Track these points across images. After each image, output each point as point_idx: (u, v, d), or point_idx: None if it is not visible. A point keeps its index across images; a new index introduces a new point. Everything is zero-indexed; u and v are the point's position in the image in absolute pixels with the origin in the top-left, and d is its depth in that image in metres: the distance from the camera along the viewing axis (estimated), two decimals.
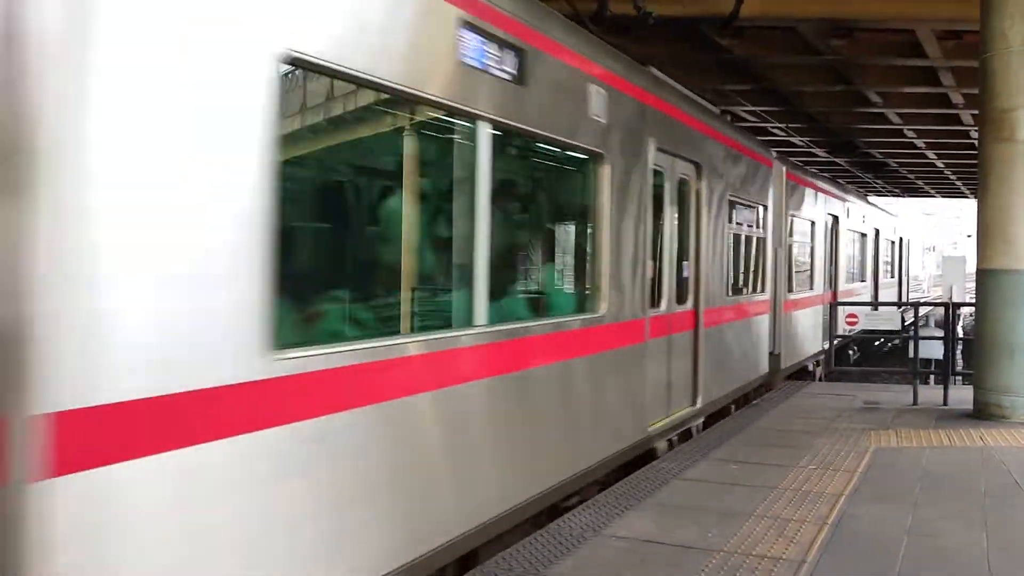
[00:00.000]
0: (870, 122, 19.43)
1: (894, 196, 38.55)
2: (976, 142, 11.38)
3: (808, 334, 14.15)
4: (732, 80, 15.38)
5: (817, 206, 14.78)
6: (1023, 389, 9.15)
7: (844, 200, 17.52)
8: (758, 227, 11.25)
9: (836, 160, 25.31)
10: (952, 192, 36.67)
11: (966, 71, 13.50)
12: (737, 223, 10.08)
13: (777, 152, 13.98)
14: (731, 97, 16.63)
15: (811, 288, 14.41)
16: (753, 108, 17.91)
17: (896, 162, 26.68)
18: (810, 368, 14.65)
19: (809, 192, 14.25)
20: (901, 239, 26.82)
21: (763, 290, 11.41)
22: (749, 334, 10.70)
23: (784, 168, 12.49)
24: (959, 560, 4.99)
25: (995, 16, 9.22)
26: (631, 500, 6.06)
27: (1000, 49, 9.18)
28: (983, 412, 9.38)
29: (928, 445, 8.13)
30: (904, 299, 26.28)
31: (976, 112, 11.08)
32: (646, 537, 5.26)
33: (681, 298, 8.19)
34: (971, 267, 11.86)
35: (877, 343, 24.46)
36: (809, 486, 6.48)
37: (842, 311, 12.71)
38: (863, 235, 19.99)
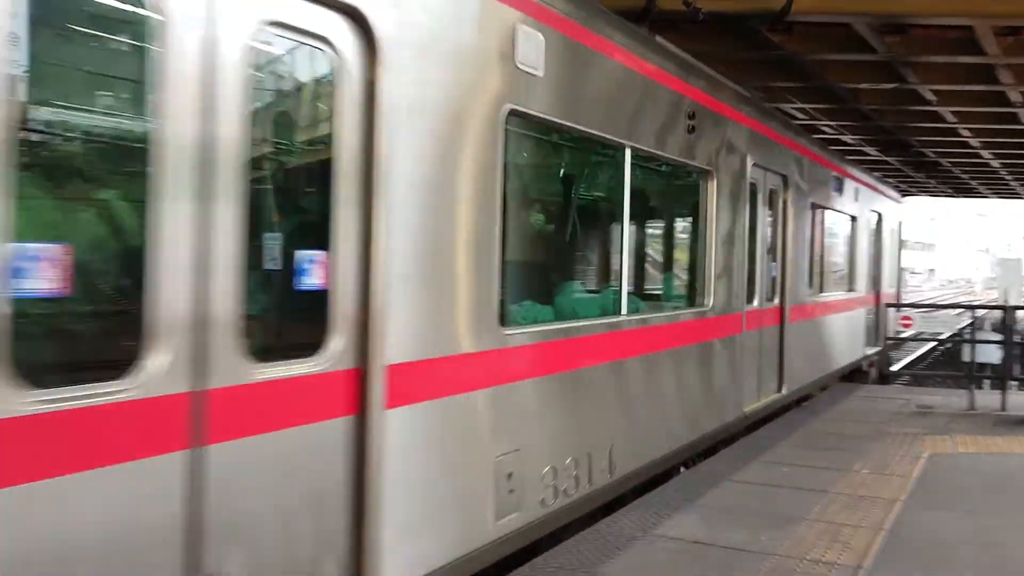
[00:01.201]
0: (923, 120, 19.03)
1: (946, 196, 37.79)
2: None
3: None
4: (781, 77, 15.13)
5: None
6: None
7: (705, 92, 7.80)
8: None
9: (887, 159, 24.83)
10: (1007, 193, 35.79)
11: None
12: None
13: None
14: (780, 94, 16.39)
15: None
16: (803, 106, 17.62)
17: (949, 161, 26.07)
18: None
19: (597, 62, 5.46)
20: (880, 218, 16.34)
21: None
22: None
23: None
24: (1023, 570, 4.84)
25: None
26: (680, 501, 5.98)
27: None
28: None
29: (986, 451, 7.91)
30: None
31: None
32: (696, 539, 5.18)
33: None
34: None
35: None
36: (863, 491, 6.33)
37: None
38: (758, 192, 9.32)
